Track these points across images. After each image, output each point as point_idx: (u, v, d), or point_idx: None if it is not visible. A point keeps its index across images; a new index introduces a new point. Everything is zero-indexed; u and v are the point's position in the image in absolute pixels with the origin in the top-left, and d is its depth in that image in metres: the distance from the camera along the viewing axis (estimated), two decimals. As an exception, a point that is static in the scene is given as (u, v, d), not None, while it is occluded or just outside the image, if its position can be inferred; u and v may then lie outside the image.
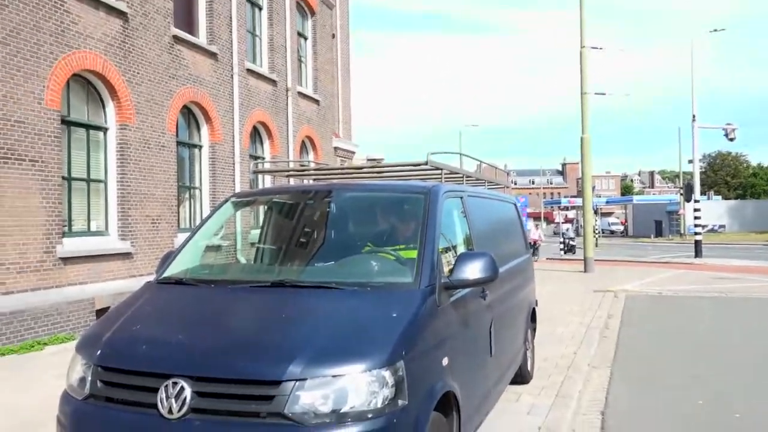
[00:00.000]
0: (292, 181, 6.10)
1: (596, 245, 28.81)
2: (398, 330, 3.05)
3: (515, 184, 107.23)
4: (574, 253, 29.69)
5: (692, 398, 6.12)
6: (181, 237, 12.02)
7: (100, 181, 10.64)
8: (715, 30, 27.14)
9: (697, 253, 24.98)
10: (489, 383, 4.44)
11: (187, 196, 13.31)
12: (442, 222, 3.89)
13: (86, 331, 3.61)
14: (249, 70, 15.06)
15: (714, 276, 18.19)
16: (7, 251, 8.51)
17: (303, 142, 18.35)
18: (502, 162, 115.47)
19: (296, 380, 2.74)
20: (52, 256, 9.18)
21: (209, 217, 4.45)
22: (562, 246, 31.10)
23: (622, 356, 8.03)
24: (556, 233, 47.28)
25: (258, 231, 4.71)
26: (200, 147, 13.59)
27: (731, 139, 27.36)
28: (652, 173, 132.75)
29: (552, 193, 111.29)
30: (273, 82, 16.27)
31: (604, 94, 22.97)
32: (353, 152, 22.73)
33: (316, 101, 19.06)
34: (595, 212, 41.76)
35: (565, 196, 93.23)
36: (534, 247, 25.29)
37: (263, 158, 15.65)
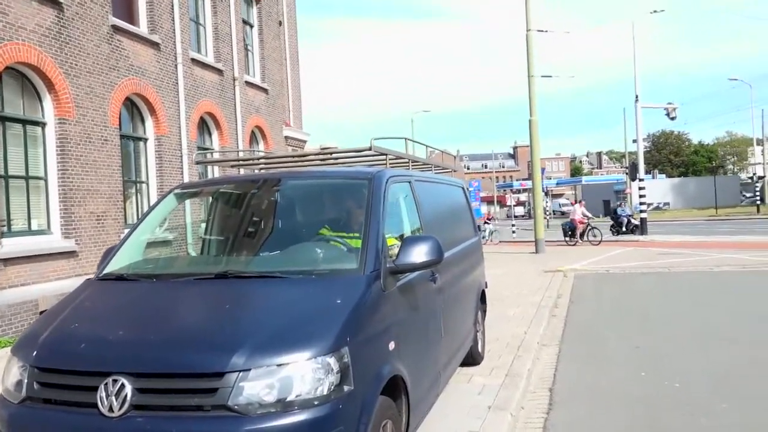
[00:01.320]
0: (243, 172, 6.02)
1: (547, 226, 29.41)
2: (342, 316, 3.06)
3: (468, 168, 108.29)
4: (639, 233, 25.15)
5: (635, 370, 6.35)
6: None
7: (39, 178, 10.27)
8: (655, 11, 27.76)
9: (643, 230, 25.77)
10: (439, 366, 4.50)
11: (133, 190, 12.98)
12: (387, 207, 3.91)
13: (23, 332, 3.50)
14: (194, 60, 14.73)
15: (659, 252, 18.83)
16: (-59, 254, 8.16)
17: (252, 132, 18.09)
18: (455, 147, 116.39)
19: (240, 371, 2.73)
20: (-9, 257, 8.84)
21: (151, 209, 4.36)
22: (615, 227, 26.18)
23: (570, 334, 8.26)
24: (509, 216, 48.00)
25: (202, 224, 4.65)
26: (146, 140, 13.25)
27: (672, 118, 28.25)
28: (599, 154, 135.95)
29: (504, 177, 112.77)
30: (219, 72, 15.96)
31: (550, 76, 23.43)
32: (305, 141, 22.55)
33: (265, 90, 18.80)
34: (546, 194, 42.56)
35: (517, 179, 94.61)
36: (573, 228, 23.12)
37: (212, 150, 15.37)
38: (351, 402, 2.91)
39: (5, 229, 9.43)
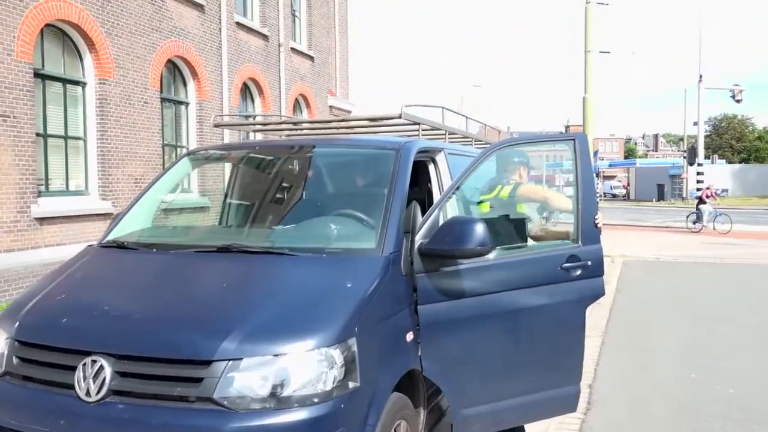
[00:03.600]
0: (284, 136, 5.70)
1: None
2: (352, 303, 2.70)
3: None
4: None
5: (685, 371, 5.84)
6: (169, 197, 11.65)
7: (79, 138, 10.21)
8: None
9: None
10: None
11: (173, 155, 12.87)
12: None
13: (13, 300, 3.27)
14: (238, 24, 14.44)
15: (714, 241, 17.86)
16: (-23, 210, 8.17)
17: (296, 99, 17.81)
18: (505, 124, 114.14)
19: (229, 360, 2.41)
20: (26, 216, 8.83)
21: (163, 174, 4.07)
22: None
23: (614, 324, 7.74)
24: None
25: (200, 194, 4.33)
26: (187, 104, 13.09)
27: (738, 101, 26.77)
28: (656, 136, 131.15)
29: (555, 156, 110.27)
30: (264, 37, 15.66)
31: (608, 52, 22.22)
32: (350, 111, 22.15)
33: (311, 57, 18.44)
34: (597, 176, 41.17)
35: (567, 159, 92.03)
36: None
37: (254, 116, 15.15)
38: (356, 400, 2.57)
39: (42, 188, 9.41)
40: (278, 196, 3.99)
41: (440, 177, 4.05)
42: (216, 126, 4.62)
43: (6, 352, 2.75)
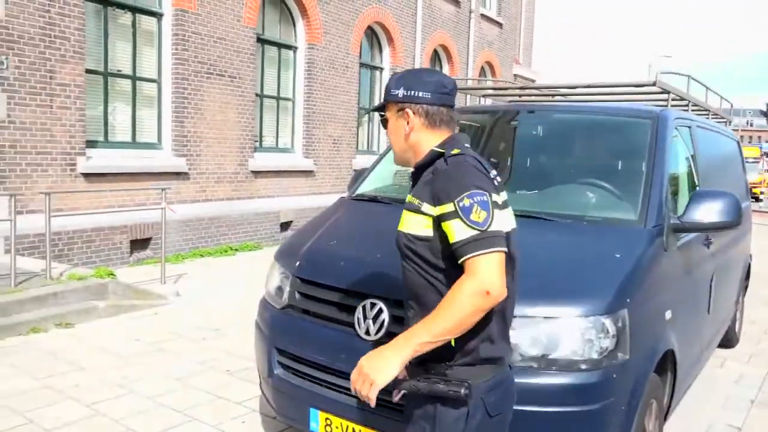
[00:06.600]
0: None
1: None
2: (622, 273, 2.64)
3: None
4: None
5: None
6: (360, 158, 12.22)
7: (288, 99, 10.99)
8: None
9: None
10: (702, 343, 3.89)
11: (366, 118, 13.42)
12: (670, 153, 3.33)
13: (285, 241, 3.62)
14: (433, -10, 14.54)
15: None
16: (207, 162, 9.13)
17: (482, 67, 17.64)
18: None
19: None
20: (244, 168, 9.73)
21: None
22: None
23: None
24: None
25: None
26: (381, 69, 13.52)
27: None
28: None
29: (751, 137, 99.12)
30: (456, 3, 15.62)
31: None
32: (533, 80, 21.51)
33: (499, 24, 18.10)
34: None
35: (766, 141, 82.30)
36: None
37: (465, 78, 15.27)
38: (625, 373, 2.53)
39: (257, 144, 10.29)
40: (521, 160, 3.99)
41: (691, 151, 3.81)
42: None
43: (288, 288, 3.06)
